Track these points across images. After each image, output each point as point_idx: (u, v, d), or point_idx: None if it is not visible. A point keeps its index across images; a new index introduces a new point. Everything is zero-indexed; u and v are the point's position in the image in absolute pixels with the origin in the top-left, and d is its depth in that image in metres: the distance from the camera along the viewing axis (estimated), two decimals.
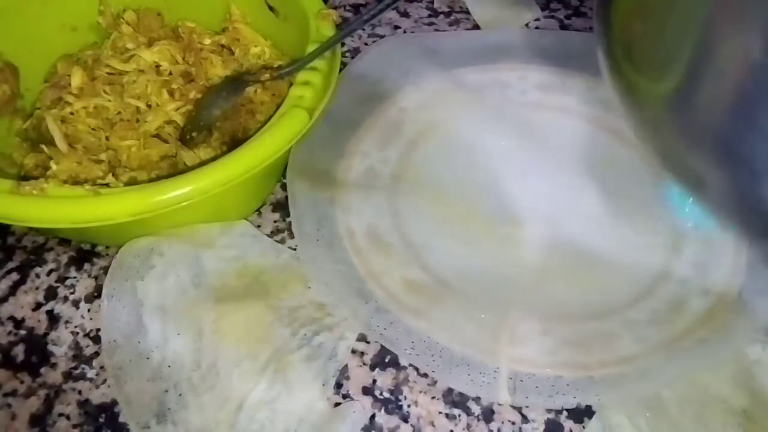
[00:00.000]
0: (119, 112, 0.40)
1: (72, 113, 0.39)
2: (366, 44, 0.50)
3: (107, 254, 0.38)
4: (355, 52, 0.49)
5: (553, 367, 0.32)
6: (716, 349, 0.32)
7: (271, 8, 0.43)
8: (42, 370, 0.33)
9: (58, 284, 0.36)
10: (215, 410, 0.31)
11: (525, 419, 0.31)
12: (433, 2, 0.54)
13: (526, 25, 0.52)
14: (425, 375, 0.33)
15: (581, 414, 0.31)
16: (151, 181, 0.36)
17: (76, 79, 0.41)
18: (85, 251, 0.38)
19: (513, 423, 0.31)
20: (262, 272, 0.35)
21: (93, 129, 0.39)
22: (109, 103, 0.40)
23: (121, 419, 0.31)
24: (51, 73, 0.43)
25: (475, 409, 0.32)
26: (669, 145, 0.27)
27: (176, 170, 0.37)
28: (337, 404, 0.32)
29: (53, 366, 0.33)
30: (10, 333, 0.35)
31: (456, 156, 0.41)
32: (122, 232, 0.35)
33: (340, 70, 0.39)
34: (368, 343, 0.34)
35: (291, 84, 0.37)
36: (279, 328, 0.33)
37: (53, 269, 0.37)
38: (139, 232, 0.35)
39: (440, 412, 0.32)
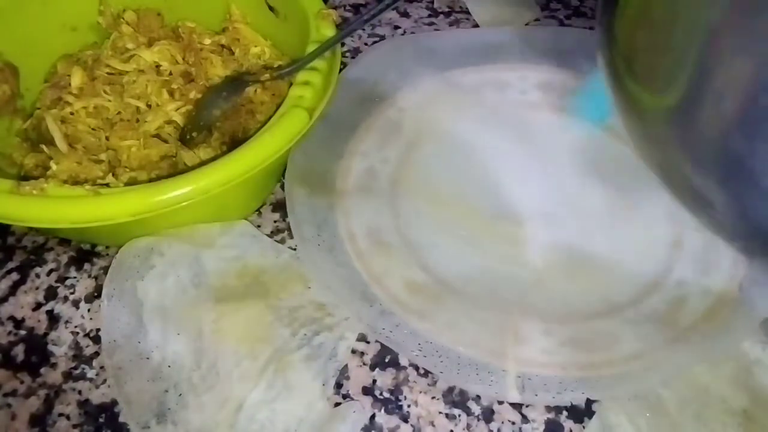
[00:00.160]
0: (119, 112, 0.40)
1: (72, 113, 0.39)
2: (366, 44, 0.50)
3: (107, 254, 0.38)
4: (355, 52, 0.49)
5: (556, 367, 0.32)
6: (717, 347, 0.32)
7: (271, 8, 0.43)
8: (42, 370, 0.33)
9: (58, 284, 0.36)
10: (215, 410, 0.31)
11: (525, 419, 0.31)
12: (433, 2, 0.54)
13: (526, 24, 0.52)
14: (425, 375, 0.33)
15: (581, 414, 0.31)
16: (151, 181, 0.36)
17: (76, 79, 0.41)
18: (85, 251, 0.38)
19: (513, 423, 0.31)
20: (262, 272, 0.35)
21: (93, 129, 0.39)
22: (109, 103, 0.40)
23: (121, 419, 0.31)
24: (51, 73, 0.43)
25: (475, 409, 0.32)
26: (670, 159, 0.26)
27: (176, 170, 0.37)
28: (337, 404, 0.32)
29: (53, 366, 0.33)
30: (10, 333, 0.35)
31: (456, 156, 0.41)
32: (122, 232, 0.35)
33: (340, 70, 0.39)
34: (368, 343, 0.34)
35: (291, 84, 0.37)
36: (279, 328, 0.33)
37: (53, 269, 0.37)
38: (139, 232, 0.35)
39: (440, 412, 0.32)
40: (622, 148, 0.42)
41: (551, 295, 0.35)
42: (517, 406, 0.32)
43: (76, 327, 0.35)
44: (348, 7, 0.54)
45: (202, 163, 0.35)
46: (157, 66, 0.42)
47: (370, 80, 0.45)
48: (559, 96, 0.44)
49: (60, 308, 0.36)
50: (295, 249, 0.37)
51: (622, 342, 0.33)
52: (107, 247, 0.38)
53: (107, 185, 0.34)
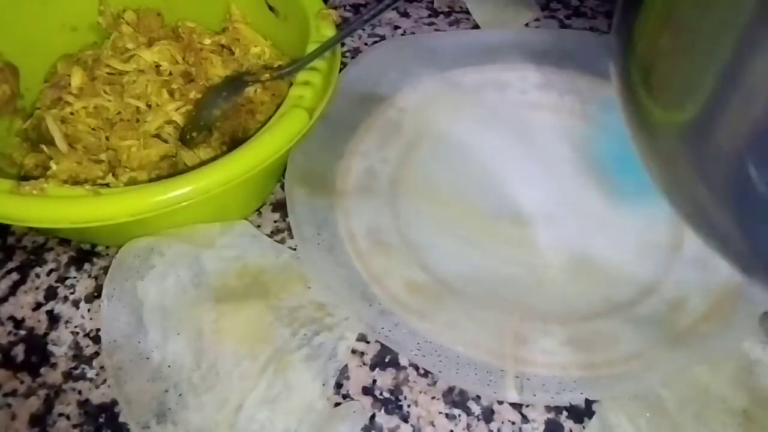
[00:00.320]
0: (119, 112, 0.40)
1: (72, 113, 0.39)
2: (366, 44, 0.50)
3: (107, 254, 0.38)
4: (355, 52, 0.49)
5: (556, 367, 0.32)
6: (717, 347, 0.32)
7: (271, 8, 0.43)
8: (42, 370, 0.33)
9: (58, 284, 0.36)
10: (215, 410, 0.31)
11: (525, 419, 0.31)
12: (433, 2, 0.54)
13: (526, 25, 0.52)
14: (425, 375, 0.33)
15: (581, 414, 0.31)
16: (151, 181, 0.36)
17: (76, 79, 0.41)
18: (85, 251, 0.38)
19: (513, 423, 0.31)
20: (262, 272, 0.35)
21: (93, 129, 0.39)
22: (109, 103, 0.40)
23: (121, 419, 0.31)
24: (51, 73, 0.43)
25: (475, 409, 0.32)
26: (679, 177, 0.26)
27: (176, 170, 0.37)
28: (337, 404, 0.32)
29: (53, 366, 0.33)
30: (10, 333, 0.35)
31: (456, 156, 0.41)
32: (122, 232, 0.35)
33: (340, 70, 0.39)
34: (368, 343, 0.34)
35: (291, 84, 0.37)
36: (279, 328, 0.33)
37: (53, 269, 0.37)
38: (139, 232, 0.35)
39: (440, 412, 0.32)
40: None
41: (551, 295, 0.35)
42: (517, 406, 0.32)
43: (76, 327, 0.35)
44: (348, 7, 0.54)
45: (202, 163, 0.35)
46: (157, 66, 0.42)
47: (370, 80, 0.45)
48: (559, 96, 0.44)
49: (60, 308, 0.36)
50: (295, 249, 0.37)
51: (622, 342, 0.33)
52: (107, 247, 0.38)
53: (107, 185, 0.34)
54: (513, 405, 0.32)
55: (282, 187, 0.39)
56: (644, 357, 0.32)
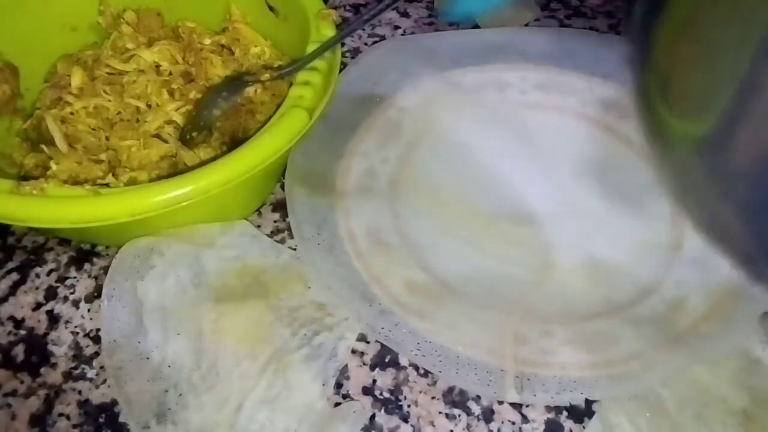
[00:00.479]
0: (119, 112, 0.40)
1: (72, 113, 0.39)
2: (366, 44, 0.50)
3: (107, 254, 0.38)
4: (355, 52, 0.49)
5: (555, 367, 0.32)
6: (717, 347, 0.32)
7: (271, 8, 0.43)
8: (42, 370, 0.33)
9: (58, 284, 0.36)
10: (215, 410, 0.31)
11: (525, 419, 0.31)
12: (433, 2, 0.54)
13: (526, 25, 0.52)
14: (425, 375, 0.33)
15: (581, 414, 0.31)
16: (151, 181, 0.36)
17: (76, 79, 0.41)
18: (85, 251, 0.38)
19: (513, 423, 0.31)
20: (262, 272, 0.35)
21: (93, 129, 0.39)
22: (109, 103, 0.40)
23: (121, 419, 0.31)
24: (51, 73, 0.43)
25: (475, 409, 0.32)
26: (697, 190, 0.25)
27: (176, 170, 0.37)
28: (337, 404, 0.32)
29: (53, 366, 0.33)
30: (10, 333, 0.35)
31: (456, 156, 0.41)
32: (122, 232, 0.35)
33: (340, 70, 0.39)
34: (368, 343, 0.34)
35: (291, 84, 0.37)
36: (279, 328, 0.33)
37: (53, 269, 0.37)
38: (139, 232, 0.35)
39: (440, 412, 0.32)
40: (623, 149, 0.42)
41: (551, 295, 0.35)
42: (517, 406, 0.32)
43: (76, 327, 0.35)
44: (348, 7, 0.54)
45: (202, 163, 0.35)
46: (157, 66, 0.42)
47: (370, 80, 0.45)
48: (559, 96, 0.44)
49: (60, 308, 0.36)
50: (295, 249, 0.37)
51: (622, 342, 0.33)
52: (107, 247, 0.38)
53: (107, 185, 0.34)
54: (513, 405, 0.32)
55: (282, 187, 0.39)
56: (644, 357, 0.32)
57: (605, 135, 0.42)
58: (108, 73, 0.41)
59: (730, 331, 0.33)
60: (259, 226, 0.38)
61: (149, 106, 0.40)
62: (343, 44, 0.43)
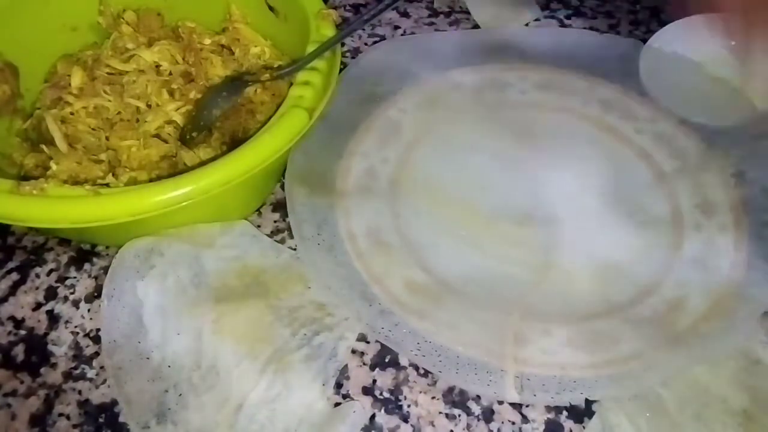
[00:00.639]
0: (119, 112, 0.40)
1: (72, 113, 0.39)
2: (366, 44, 0.50)
3: (107, 254, 0.38)
4: (356, 52, 0.49)
5: (555, 367, 0.32)
6: (717, 347, 0.32)
7: (271, 8, 0.43)
8: (42, 370, 0.33)
9: (58, 284, 0.36)
10: (215, 410, 0.31)
11: (525, 419, 0.31)
12: (433, 2, 0.54)
13: (526, 25, 0.52)
14: (425, 375, 0.33)
15: (581, 414, 0.31)
16: (151, 181, 0.36)
17: (76, 79, 0.41)
18: (85, 251, 0.38)
19: (513, 423, 0.31)
20: (262, 272, 0.35)
21: (93, 129, 0.39)
22: (109, 103, 0.40)
23: (121, 419, 0.31)
24: (51, 73, 0.43)
25: (475, 409, 0.32)
26: None
27: (176, 170, 0.37)
28: (337, 404, 0.32)
29: (53, 366, 0.33)
30: (10, 333, 0.35)
31: (456, 156, 0.41)
32: (122, 232, 0.35)
33: (340, 70, 0.39)
34: (368, 343, 0.34)
35: (291, 84, 0.37)
36: (279, 328, 0.33)
37: (53, 269, 0.37)
38: (139, 232, 0.35)
39: (440, 412, 0.32)
40: (623, 149, 0.42)
41: (551, 295, 0.35)
42: (517, 406, 0.32)
43: (76, 327, 0.35)
44: (348, 7, 0.54)
45: (202, 163, 0.35)
46: (157, 66, 0.42)
47: (370, 80, 0.45)
48: (559, 96, 0.44)
49: (60, 308, 0.36)
50: (295, 249, 0.37)
51: (621, 342, 0.33)
52: (107, 247, 0.38)
53: (107, 185, 0.34)
54: (513, 405, 0.32)
55: (282, 187, 0.39)
56: (644, 357, 0.32)
57: (605, 135, 0.42)
58: (108, 73, 0.41)
59: (730, 331, 0.33)
60: (259, 226, 0.38)
61: (149, 106, 0.40)
62: (343, 44, 0.43)
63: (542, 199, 0.39)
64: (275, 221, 0.39)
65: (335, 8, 0.41)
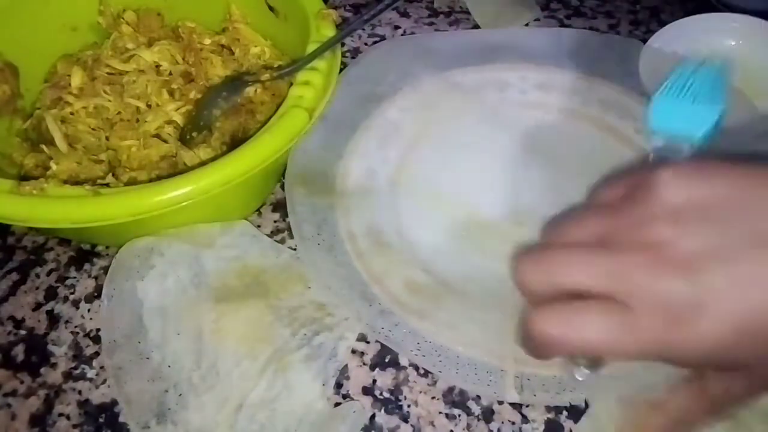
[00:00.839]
0: (119, 112, 0.40)
1: (72, 113, 0.39)
2: (366, 44, 0.50)
3: (107, 254, 0.38)
4: (356, 52, 0.49)
5: (555, 367, 0.32)
6: None
7: (271, 8, 0.43)
8: (42, 370, 0.33)
9: (58, 284, 0.36)
10: (215, 410, 0.31)
11: (525, 419, 0.31)
12: (433, 2, 0.54)
13: (526, 25, 0.52)
14: (425, 375, 0.33)
15: (581, 414, 0.31)
16: (151, 181, 0.36)
17: (76, 79, 0.41)
18: (85, 251, 0.38)
19: (513, 423, 0.31)
20: (262, 272, 0.35)
21: (93, 129, 0.39)
22: (109, 103, 0.40)
23: (121, 419, 0.31)
24: (51, 73, 0.43)
25: (475, 409, 0.32)
26: None
27: (176, 170, 0.37)
28: (337, 404, 0.32)
29: (53, 366, 0.33)
30: (10, 333, 0.35)
31: (456, 156, 0.41)
32: (122, 232, 0.35)
33: (340, 70, 0.39)
34: (368, 343, 0.34)
35: (291, 84, 0.37)
36: (279, 328, 0.33)
37: (53, 269, 0.37)
38: (139, 232, 0.35)
39: (440, 412, 0.32)
40: (623, 149, 0.42)
41: None
42: (517, 406, 0.32)
43: (76, 327, 0.35)
44: (348, 7, 0.54)
45: (202, 163, 0.35)
46: (157, 66, 0.42)
47: (370, 80, 0.45)
48: (559, 96, 0.44)
49: (60, 308, 0.36)
50: (295, 249, 0.37)
51: None
52: (107, 247, 0.38)
53: (107, 185, 0.34)
54: (513, 405, 0.32)
55: (282, 187, 0.39)
56: None
57: (605, 135, 0.42)
58: (108, 73, 0.41)
59: None
60: (259, 226, 0.38)
61: (149, 106, 0.40)
62: (343, 44, 0.43)
63: (542, 199, 0.39)
64: (275, 221, 0.39)
65: (335, 8, 0.41)
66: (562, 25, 0.52)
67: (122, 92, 0.40)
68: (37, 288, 0.36)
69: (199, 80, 0.42)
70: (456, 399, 0.32)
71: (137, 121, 0.40)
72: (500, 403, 0.32)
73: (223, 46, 0.44)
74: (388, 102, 0.44)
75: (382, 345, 0.34)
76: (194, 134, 0.39)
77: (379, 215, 0.38)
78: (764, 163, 0.24)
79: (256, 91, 0.41)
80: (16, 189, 0.31)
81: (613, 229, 0.25)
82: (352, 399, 0.32)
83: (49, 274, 0.37)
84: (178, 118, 0.40)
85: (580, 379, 0.26)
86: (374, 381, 0.33)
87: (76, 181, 0.35)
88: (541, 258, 0.26)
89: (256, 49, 0.44)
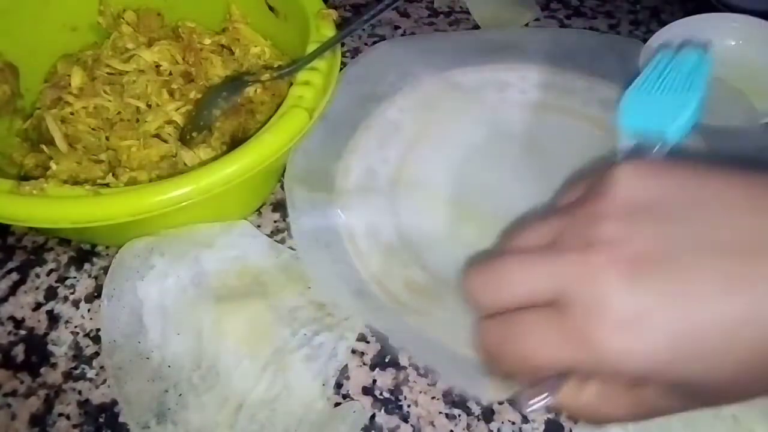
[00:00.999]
0: (119, 112, 0.40)
1: (72, 113, 0.39)
2: (366, 44, 0.50)
3: (107, 254, 0.38)
4: (355, 52, 0.49)
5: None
6: None
7: (271, 8, 0.43)
8: (42, 370, 0.33)
9: (58, 284, 0.36)
10: (215, 410, 0.31)
11: (525, 419, 0.31)
12: (433, 2, 0.54)
13: (526, 25, 0.52)
14: (425, 375, 0.33)
15: None
16: (151, 181, 0.36)
17: (76, 79, 0.41)
18: (85, 251, 0.38)
19: (513, 423, 0.31)
20: (262, 272, 0.35)
21: (93, 129, 0.39)
22: (109, 103, 0.40)
23: (121, 419, 0.31)
24: (51, 73, 0.43)
25: (475, 409, 0.32)
26: None
27: (176, 170, 0.37)
28: (337, 404, 0.32)
29: (53, 366, 0.33)
30: (10, 333, 0.35)
31: (456, 156, 0.41)
32: (122, 232, 0.35)
33: (340, 70, 0.39)
34: (368, 343, 0.34)
35: (291, 84, 0.37)
36: (279, 328, 0.33)
37: (53, 269, 0.37)
38: (139, 232, 0.35)
39: (440, 412, 0.32)
40: None
41: None
42: (517, 406, 0.32)
43: (76, 327, 0.35)
44: (348, 7, 0.54)
45: (202, 163, 0.35)
46: (157, 66, 0.42)
47: (370, 80, 0.45)
48: (559, 96, 0.44)
49: (60, 308, 0.36)
50: (295, 249, 0.37)
51: None
52: (107, 247, 0.38)
53: (107, 185, 0.34)
54: (513, 405, 0.32)
55: (282, 187, 0.39)
56: None
57: (605, 135, 0.42)
58: (108, 73, 0.41)
59: None
60: (259, 226, 0.38)
61: (149, 106, 0.40)
62: (343, 44, 0.43)
63: (542, 199, 0.39)
64: (275, 221, 0.39)
65: (335, 8, 0.41)
66: (562, 25, 0.52)
67: (122, 92, 0.40)
68: (37, 288, 0.36)
69: (199, 80, 0.42)
70: (456, 399, 0.32)
71: (137, 121, 0.40)
72: (500, 403, 0.32)
73: (223, 46, 0.44)
74: (388, 102, 0.44)
75: (382, 345, 0.34)
76: (194, 134, 0.39)
77: (378, 215, 0.38)
78: (729, 166, 0.23)
79: (256, 91, 0.41)
80: (16, 189, 0.31)
81: (564, 230, 0.23)
82: (352, 399, 0.32)
83: (49, 274, 0.37)
84: (178, 118, 0.40)
85: (528, 410, 0.24)
86: (374, 381, 0.33)
87: (76, 181, 0.35)
88: (488, 267, 0.24)
89: (256, 49, 0.44)
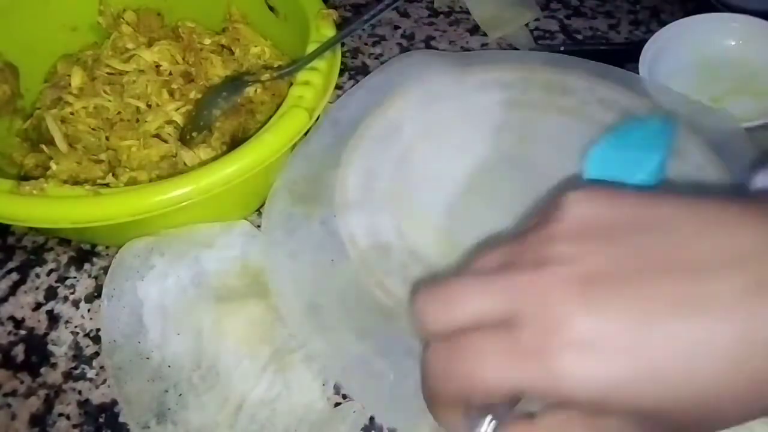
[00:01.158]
0: (119, 112, 0.40)
1: (72, 113, 0.39)
2: (366, 44, 0.50)
3: (107, 254, 0.38)
4: (356, 52, 0.49)
5: None
6: None
7: (271, 8, 0.43)
8: (42, 370, 0.33)
9: (58, 284, 0.36)
10: (215, 410, 0.31)
11: None
12: (433, 2, 0.54)
13: (526, 25, 0.52)
14: None
15: None
16: (151, 181, 0.36)
17: (76, 79, 0.41)
18: (85, 251, 0.38)
19: None
20: (262, 272, 0.35)
21: (93, 129, 0.39)
22: (109, 103, 0.40)
23: (121, 419, 0.31)
24: (51, 73, 0.43)
25: None
26: None
27: (176, 170, 0.37)
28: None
29: (53, 366, 0.33)
30: (10, 333, 0.35)
31: (456, 157, 0.41)
32: (122, 232, 0.35)
33: (342, 72, 0.39)
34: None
35: (291, 84, 0.37)
36: (279, 328, 0.33)
37: (53, 269, 0.37)
38: (139, 232, 0.35)
39: None
40: None
41: None
42: None
43: (76, 327, 0.35)
44: (348, 7, 0.54)
45: (202, 163, 0.35)
46: (157, 66, 0.42)
47: (371, 80, 0.45)
48: (559, 96, 0.44)
49: (60, 308, 0.36)
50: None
51: None
52: (107, 247, 0.38)
53: (107, 185, 0.34)
54: None
55: None
56: None
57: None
58: (108, 73, 0.41)
59: None
60: (259, 226, 0.38)
61: (149, 106, 0.40)
62: (343, 44, 0.43)
63: (543, 199, 0.39)
64: None
65: (335, 8, 0.41)
66: (562, 25, 0.52)
67: (122, 92, 0.40)
68: (37, 288, 0.36)
69: (199, 80, 0.42)
70: None
71: (137, 121, 0.40)
72: None
73: (223, 46, 0.44)
74: (388, 102, 0.44)
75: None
76: (194, 134, 0.39)
77: (378, 216, 0.38)
78: (679, 190, 0.23)
79: (256, 91, 0.41)
80: (16, 189, 0.31)
81: (517, 252, 0.23)
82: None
83: (49, 274, 0.37)
84: (178, 118, 0.40)
85: None
86: None
87: (76, 181, 0.35)
88: (438, 287, 0.23)
89: (256, 49, 0.44)
